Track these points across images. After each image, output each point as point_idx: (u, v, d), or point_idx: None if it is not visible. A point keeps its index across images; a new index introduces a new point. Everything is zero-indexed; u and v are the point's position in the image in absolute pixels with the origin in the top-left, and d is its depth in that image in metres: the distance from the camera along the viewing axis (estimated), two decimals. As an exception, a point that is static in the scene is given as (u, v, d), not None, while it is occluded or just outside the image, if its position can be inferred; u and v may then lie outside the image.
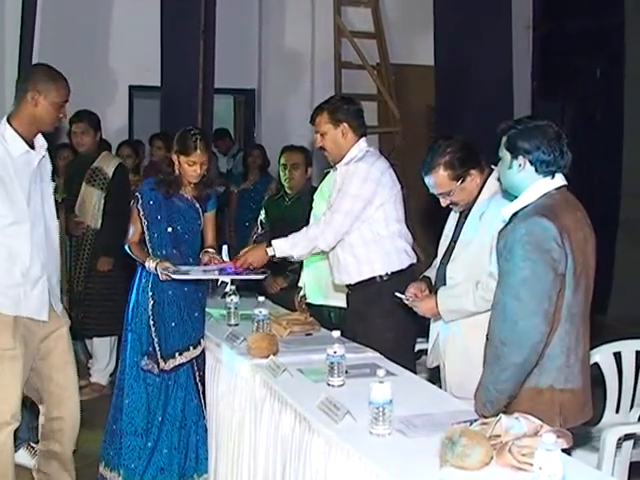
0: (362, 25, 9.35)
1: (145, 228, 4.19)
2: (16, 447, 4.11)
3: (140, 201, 4.20)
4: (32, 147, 3.66)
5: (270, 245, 3.99)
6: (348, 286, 4.15)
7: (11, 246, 3.55)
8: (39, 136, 3.70)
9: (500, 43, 7.55)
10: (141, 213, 4.19)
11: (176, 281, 4.07)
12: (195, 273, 4.13)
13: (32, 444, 4.48)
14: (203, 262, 4.21)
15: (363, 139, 4.10)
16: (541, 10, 9.80)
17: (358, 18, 9.35)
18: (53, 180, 3.94)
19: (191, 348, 4.16)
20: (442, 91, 7.92)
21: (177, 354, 4.12)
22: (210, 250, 4.26)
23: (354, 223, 3.95)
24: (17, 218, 3.54)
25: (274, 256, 4.00)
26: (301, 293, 4.88)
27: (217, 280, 5.06)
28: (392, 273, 3.99)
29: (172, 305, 4.16)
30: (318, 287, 4.75)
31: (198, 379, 4.19)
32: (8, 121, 3.60)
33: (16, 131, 3.57)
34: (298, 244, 3.98)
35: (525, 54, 9.64)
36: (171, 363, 4.11)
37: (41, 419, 3.92)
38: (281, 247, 3.99)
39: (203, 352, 4.20)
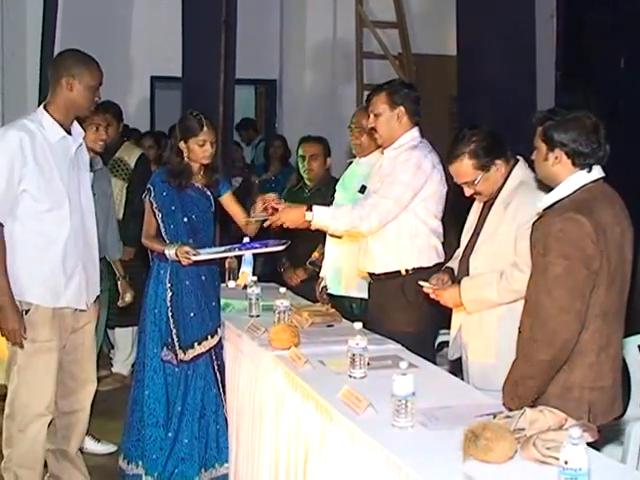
0: (384, 15, 9.31)
1: (160, 220, 4.16)
2: None
3: (152, 193, 4.17)
4: (69, 134, 3.67)
5: (310, 209, 3.89)
6: (371, 275, 4.12)
7: (48, 233, 3.57)
8: (76, 124, 3.72)
9: (523, 33, 7.47)
10: (154, 206, 4.16)
11: (198, 263, 4.03)
12: (216, 252, 4.12)
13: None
14: (259, 209, 4.08)
15: (416, 128, 4.05)
16: (565, -1, 9.72)
17: (380, 8, 9.31)
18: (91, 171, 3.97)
19: (209, 337, 4.14)
20: (464, 81, 7.86)
21: (196, 344, 4.11)
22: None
23: (400, 212, 3.91)
24: (55, 204, 3.55)
25: (310, 222, 3.89)
26: (322, 284, 4.86)
27: (239, 271, 5.08)
28: (417, 268, 3.95)
29: (190, 295, 4.14)
30: (339, 278, 4.73)
31: (216, 368, 4.18)
32: (45, 108, 3.61)
33: (53, 118, 3.58)
34: (339, 218, 3.90)
35: (549, 44, 9.56)
36: (190, 353, 4.10)
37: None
38: (321, 215, 3.88)
39: (220, 341, 4.20)
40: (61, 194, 3.57)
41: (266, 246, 4.21)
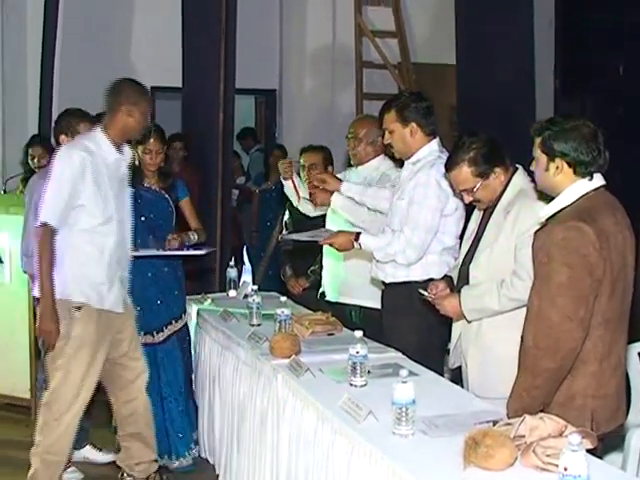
0: (383, 24, 9.33)
1: None
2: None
3: None
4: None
5: (357, 239, 3.98)
6: (383, 283, 4.13)
7: (97, 244, 3.93)
8: (125, 145, 4.11)
9: (522, 40, 7.50)
10: None
11: (138, 258, 4.37)
12: (151, 252, 4.57)
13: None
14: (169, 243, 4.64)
15: (435, 140, 4.01)
16: (563, 6, 9.73)
17: (379, 17, 9.33)
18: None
19: (173, 322, 4.66)
20: (464, 90, 7.88)
21: (164, 327, 4.62)
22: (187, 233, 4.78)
23: (434, 235, 3.91)
24: (106, 219, 3.94)
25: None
26: (320, 290, 4.87)
27: (239, 280, 5.13)
28: (426, 280, 3.90)
29: (154, 286, 4.64)
30: (337, 285, 4.73)
31: (183, 349, 4.73)
32: (102, 130, 4.00)
33: (110, 139, 3.98)
34: (380, 250, 3.95)
35: (547, 51, 9.57)
36: (161, 336, 4.60)
37: (114, 408, 4.27)
38: (367, 245, 3.98)
39: (186, 325, 4.76)
40: (111, 210, 3.97)
41: (198, 250, 4.74)
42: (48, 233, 3.80)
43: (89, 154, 3.88)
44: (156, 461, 4.36)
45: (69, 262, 3.88)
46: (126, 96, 3.99)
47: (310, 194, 4.51)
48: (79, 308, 3.88)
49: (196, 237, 4.79)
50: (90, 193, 3.87)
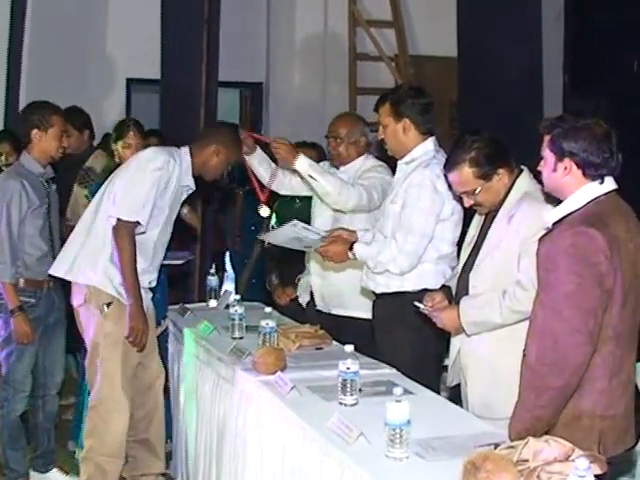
0: (379, 13, 9.34)
1: None
2: None
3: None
4: None
5: (352, 248, 4.01)
6: (373, 292, 4.13)
7: (145, 253, 4.23)
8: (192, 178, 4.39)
9: (529, 34, 7.54)
10: None
11: None
12: None
13: None
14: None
15: (431, 140, 4.03)
16: (573, -1, 9.78)
17: (375, 6, 9.34)
18: None
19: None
20: (465, 85, 7.92)
21: None
22: None
23: (429, 241, 3.92)
24: (162, 233, 4.28)
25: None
26: (306, 299, 4.88)
27: (221, 289, 5.12)
28: (421, 290, 3.91)
29: None
30: (327, 294, 4.73)
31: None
32: (190, 153, 4.32)
33: (192, 165, 4.31)
34: (373, 259, 3.97)
35: (556, 46, 9.61)
36: None
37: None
38: (361, 255, 4.02)
39: (166, 330, 4.90)
40: (164, 229, 4.29)
41: (175, 260, 4.98)
42: (133, 231, 4.11)
43: (177, 166, 4.21)
44: (164, 475, 4.50)
45: (110, 257, 4.15)
46: (219, 138, 4.33)
47: (272, 149, 4.56)
48: (108, 305, 4.13)
49: (185, 211, 5.01)
50: (164, 204, 4.20)
